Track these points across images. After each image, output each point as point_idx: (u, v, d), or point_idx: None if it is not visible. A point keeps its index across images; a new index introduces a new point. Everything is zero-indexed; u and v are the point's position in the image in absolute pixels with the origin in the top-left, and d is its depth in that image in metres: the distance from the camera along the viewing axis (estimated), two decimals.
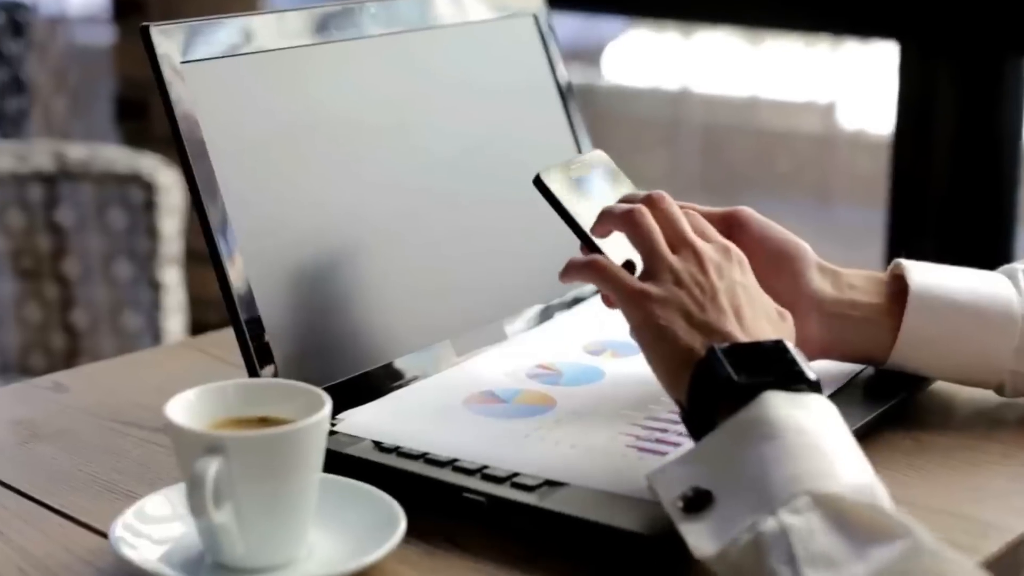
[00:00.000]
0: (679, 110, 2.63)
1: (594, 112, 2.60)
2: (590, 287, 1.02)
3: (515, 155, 1.01)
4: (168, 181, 2.22)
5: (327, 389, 0.72)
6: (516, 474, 0.73)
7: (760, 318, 0.73)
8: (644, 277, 0.74)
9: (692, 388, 0.69)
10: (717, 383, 0.68)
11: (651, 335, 0.72)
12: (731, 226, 0.83)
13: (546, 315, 0.99)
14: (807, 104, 2.55)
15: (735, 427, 0.66)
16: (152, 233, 2.21)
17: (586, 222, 0.80)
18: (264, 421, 0.69)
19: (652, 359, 0.73)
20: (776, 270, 0.82)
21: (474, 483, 0.73)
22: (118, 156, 2.25)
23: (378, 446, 0.77)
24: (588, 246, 0.80)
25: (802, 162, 2.57)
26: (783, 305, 0.79)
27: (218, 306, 0.83)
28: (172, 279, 2.24)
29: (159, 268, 2.23)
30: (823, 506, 0.61)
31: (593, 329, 0.96)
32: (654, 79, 2.68)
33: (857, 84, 2.45)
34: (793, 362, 0.68)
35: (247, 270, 0.81)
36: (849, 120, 2.49)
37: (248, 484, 0.65)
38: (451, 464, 0.75)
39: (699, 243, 0.75)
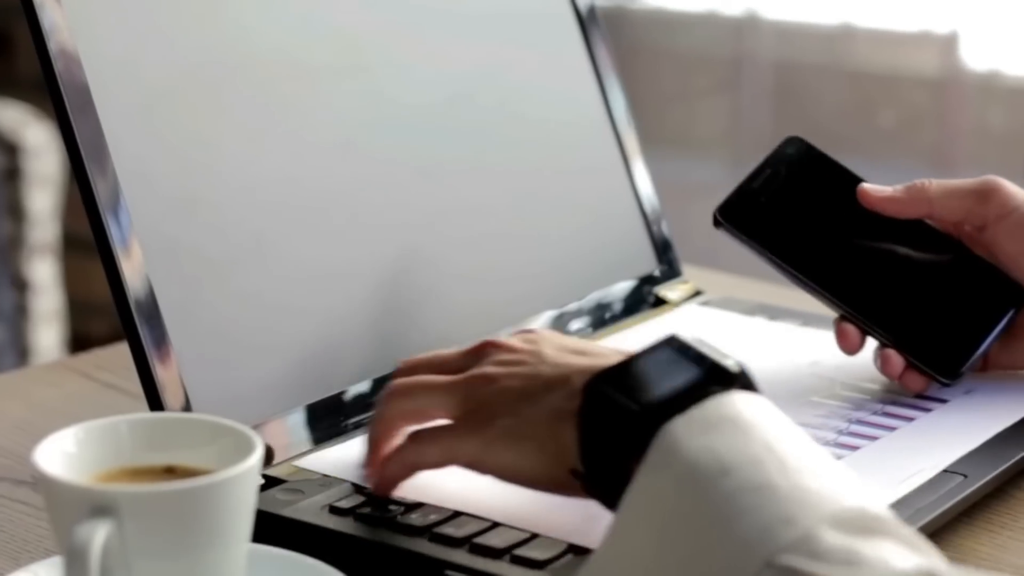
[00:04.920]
0: (743, 43, 2.63)
1: (627, 46, 2.60)
2: (618, 291, 1.03)
3: (517, 106, 1.01)
4: (39, 141, 2.22)
5: (257, 428, 0.72)
6: (524, 541, 0.74)
7: (607, 352, 0.76)
8: (457, 415, 0.77)
9: (585, 442, 0.71)
10: (616, 424, 0.69)
11: (500, 438, 0.74)
12: (983, 200, 0.92)
13: (559, 324, 0.99)
14: (920, 35, 2.54)
15: (640, 494, 0.66)
16: (16, 212, 2.21)
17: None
18: (171, 471, 0.69)
19: (515, 459, 0.74)
20: None
21: (460, 556, 0.73)
22: None
23: (331, 507, 0.78)
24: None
25: (912, 114, 2.57)
26: None
27: (107, 313, 0.84)
28: (44, 275, 2.24)
29: (26, 260, 2.23)
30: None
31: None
32: (709, 0, 2.68)
33: (986, 9, 2.45)
34: (699, 357, 0.70)
35: (148, 264, 0.81)
36: (976, 57, 2.49)
37: (148, 558, 0.65)
38: (428, 531, 0.75)
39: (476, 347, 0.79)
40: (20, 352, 2.22)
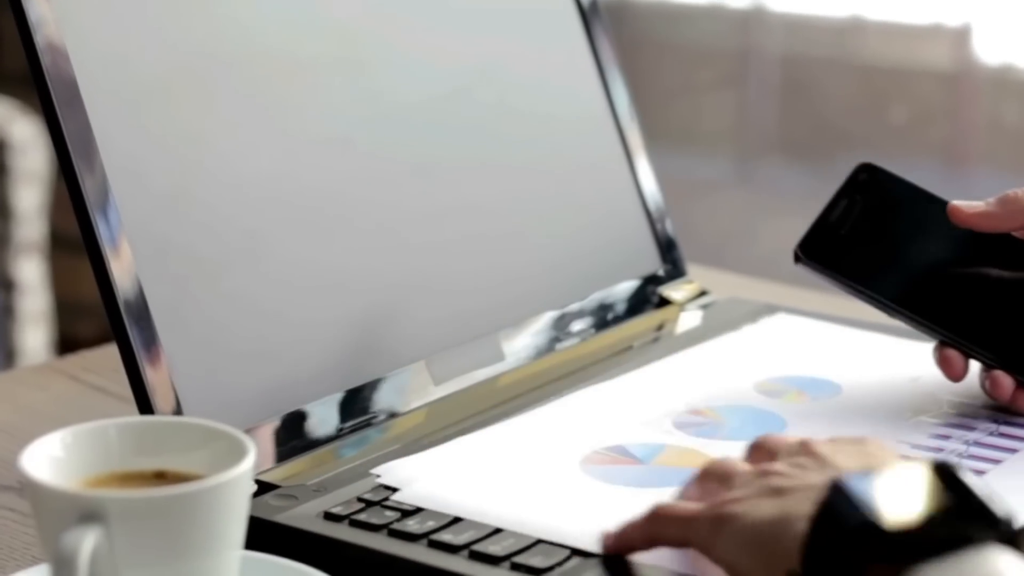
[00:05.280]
0: (750, 36, 2.64)
1: (630, 40, 2.60)
2: (621, 291, 1.03)
3: (518, 101, 1.01)
4: (25, 136, 2.22)
5: (250, 432, 0.72)
6: (525, 548, 0.74)
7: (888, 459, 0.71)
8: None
9: (811, 542, 0.65)
10: (850, 532, 0.64)
11: (732, 531, 0.70)
12: None
13: (560, 325, 0.99)
14: (931, 28, 2.55)
15: None
16: (2, 210, 2.21)
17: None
18: (161, 477, 0.69)
19: (738, 555, 0.69)
20: None
21: (458, 564, 0.73)
22: None
23: (326, 514, 0.78)
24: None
25: (924, 109, 2.57)
26: None
27: (95, 313, 0.84)
28: (30, 275, 2.24)
29: (12, 260, 2.23)
30: None
31: (774, 358, 0.97)
32: None
33: (1000, 1, 2.45)
34: (964, 492, 0.65)
35: (137, 263, 0.81)
36: (989, 51, 2.49)
37: (138, 566, 0.65)
38: (426, 538, 0.75)
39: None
40: (6, 354, 2.23)
